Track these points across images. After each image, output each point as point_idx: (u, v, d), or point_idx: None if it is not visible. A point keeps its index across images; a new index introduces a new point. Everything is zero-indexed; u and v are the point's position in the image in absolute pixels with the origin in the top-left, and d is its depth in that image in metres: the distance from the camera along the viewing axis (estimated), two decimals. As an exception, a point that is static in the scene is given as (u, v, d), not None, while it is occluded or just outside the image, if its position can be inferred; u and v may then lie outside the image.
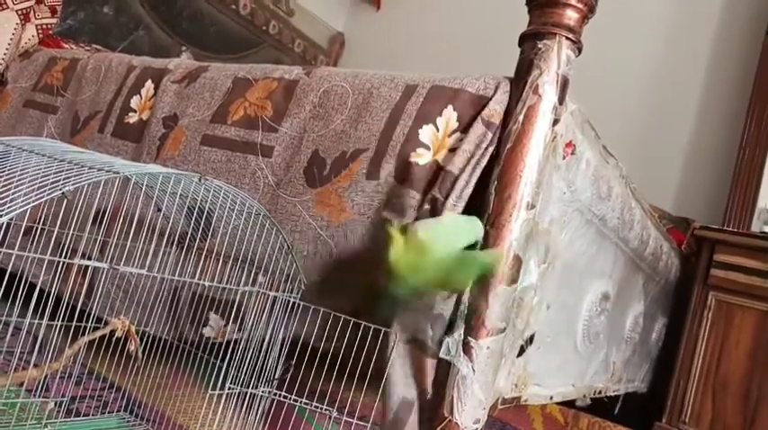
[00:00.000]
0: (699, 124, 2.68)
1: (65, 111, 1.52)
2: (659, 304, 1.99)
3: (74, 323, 0.92)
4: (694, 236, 2.02)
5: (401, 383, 0.91)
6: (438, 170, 0.97)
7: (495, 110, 0.95)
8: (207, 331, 1.10)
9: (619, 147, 1.28)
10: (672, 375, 1.93)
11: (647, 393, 2.04)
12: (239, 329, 1.03)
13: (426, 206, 0.93)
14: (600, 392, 1.59)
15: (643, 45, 2.83)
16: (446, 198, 0.92)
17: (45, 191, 0.65)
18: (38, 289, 0.86)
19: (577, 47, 0.94)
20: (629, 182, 1.37)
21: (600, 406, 1.81)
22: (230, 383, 0.90)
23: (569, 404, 1.77)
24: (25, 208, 0.62)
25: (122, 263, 0.77)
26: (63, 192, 0.66)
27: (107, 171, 0.72)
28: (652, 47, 2.82)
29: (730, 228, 2.12)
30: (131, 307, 1.19)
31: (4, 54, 1.80)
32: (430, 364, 0.91)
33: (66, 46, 2.05)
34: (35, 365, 0.80)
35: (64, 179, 0.70)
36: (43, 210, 1.15)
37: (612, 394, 1.74)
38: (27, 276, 0.92)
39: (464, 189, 0.92)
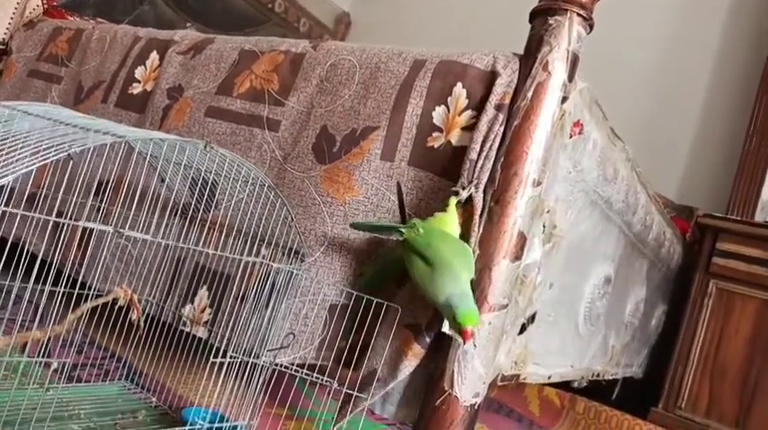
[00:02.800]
0: (705, 112, 2.66)
1: (69, 82, 1.52)
2: (660, 291, 1.99)
3: (76, 290, 0.92)
4: (698, 224, 2.02)
5: (381, 358, 0.91)
6: (452, 150, 0.96)
7: (506, 91, 0.94)
8: (186, 310, 1.10)
9: (624, 132, 1.27)
10: (670, 361, 1.94)
11: (644, 379, 2.05)
12: (241, 300, 1.03)
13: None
14: (598, 375, 1.60)
15: (653, 31, 2.80)
16: (469, 183, 0.91)
17: (51, 151, 0.64)
18: (39, 260, 0.86)
19: (589, 24, 0.93)
20: (635, 165, 1.37)
21: (597, 390, 1.82)
22: (232, 352, 0.91)
23: (566, 387, 1.78)
24: (31, 168, 0.62)
25: (126, 230, 0.76)
26: (69, 154, 0.66)
27: (113, 135, 0.71)
28: (661, 32, 2.79)
29: (734, 217, 2.11)
30: (132, 279, 1.19)
31: (9, 24, 1.78)
32: (415, 350, 0.91)
33: (71, 18, 2.04)
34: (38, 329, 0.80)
35: (70, 142, 0.69)
36: (47, 177, 1.15)
37: (610, 378, 1.75)
38: (28, 247, 0.92)
39: (482, 174, 0.91)
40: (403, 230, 0.88)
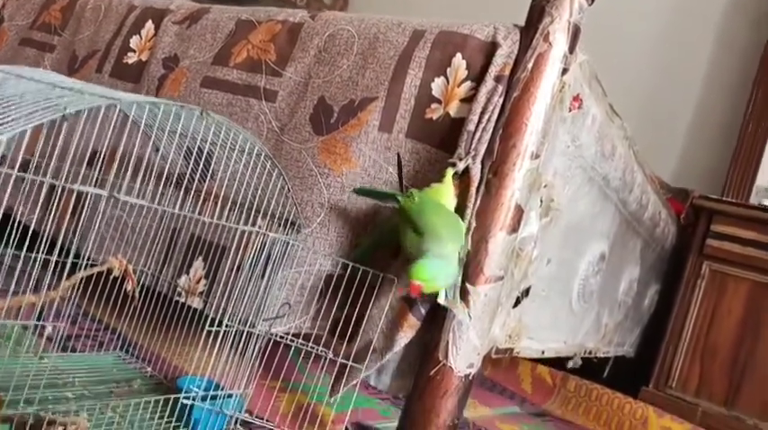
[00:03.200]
0: (703, 96, 2.66)
1: (62, 51, 1.49)
2: (654, 271, 2.00)
3: (70, 259, 0.91)
4: (693, 205, 2.02)
5: (376, 329, 0.92)
6: (450, 122, 0.96)
7: (506, 62, 0.93)
8: (182, 282, 1.10)
9: (622, 111, 1.26)
10: (661, 341, 1.96)
11: (635, 358, 2.07)
12: (237, 269, 1.03)
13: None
14: (590, 352, 1.61)
15: (654, 7, 2.78)
16: (466, 154, 0.91)
17: (48, 113, 0.63)
18: (31, 230, 0.86)
19: (591, -5, 0.92)
20: (632, 144, 1.37)
21: (589, 368, 1.83)
22: (228, 321, 0.91)
23: (559, 366, 1.79)
24: (27, 127, 0.61)
25: (122, 195, 0.76)
26: (64, 115, 0.65)
27: (108, 98, 0.70)
28: (662, 11, 2.77)
29: (729, 199, 2.12)
30: (127, 250, 1.19)
31: (1, -9, 1.75)
32: (411, 322, 0.91)
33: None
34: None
35: (65, 103, 0.68)
36: (39, 144, 1.14)
37: (602, 355, 1.76)
38: (20, 218, 0.91)
39: (479, 145, 0.91)
40: (400, 198, 0.88)
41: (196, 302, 1.08)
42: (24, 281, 1.22)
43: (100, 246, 1.20)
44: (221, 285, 1.05)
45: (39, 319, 1.02)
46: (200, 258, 1.11)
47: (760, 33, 2.49)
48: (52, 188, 1.14)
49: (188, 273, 1.12)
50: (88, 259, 0.98)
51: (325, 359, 0.93)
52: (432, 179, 0.93)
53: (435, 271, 0.81)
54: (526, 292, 1.06)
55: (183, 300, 1.09)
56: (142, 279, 1.14)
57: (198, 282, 1.10)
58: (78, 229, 1.20)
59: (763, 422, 1.78)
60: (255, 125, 1.12)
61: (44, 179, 0.66)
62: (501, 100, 0.92)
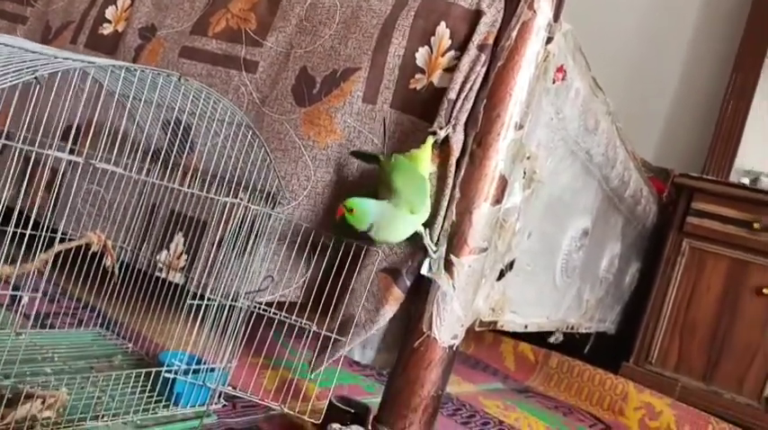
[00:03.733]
0: (684, 75, 2.67)
1: (35, 22, 1.45)
2: (635, 248, 2.02)
3: (46, 234, 0.89)
4: (674, 183, 2.04)
5: (359, 303, 0.91)
6: (434, 92, 0.95)
7: (490, 31, 0.92)
8: (162, 256, 1.08)
9: (604, 90, 1.26)
10: (641, 318, 1.98)
11: (616, 335, 2.10)
12: (219, 244, 1.01)
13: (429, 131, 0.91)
14: (572, 328, 1.62)
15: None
16: (447, 123, 0.90)
17: (21, 74, 0.61)
18: (3, 206, 0.83)
19: (576, -37, 0.91)
20: (615, 119, 1.37)
21: (570, 344, 1.85)
22: (210, 295, 0.89)
23: (541, 342, 1.81)
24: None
25: (98, 162, 0.74)
26: (36, 78, 0.63)
27: (81, 61, 0.68)
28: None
29: (710, 177, 2.14)
30: (105, 225, 1.16)
31: (-30, -39, 1.69)
32: (396, 295, 0.91)
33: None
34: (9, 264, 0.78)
35: (40, 66, 0.66)
36: (12, 115, 1.10)
37: (584, 331, 1.78)
38: None
39: (460, 114, 0.90)
40: (381, 158, 0.90)
41: (177, 278, 1.07)
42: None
43: (77, 222, 1.18)
44: (202, 260, 1.04)
45: (15, 295, 1.00)
46: (181, 233, 1.09)
47: (741, 12, 2.50)
48: (27, 161, 1.11)
49: (168, 248, 1.10)
50: (65, 235, 0.96)
51: (309, 334, 0.92)
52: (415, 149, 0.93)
53: (370, 210, 0.83)
54: (510, 266, 1.06)
55: (163, 275, 1.07)
56: (121, 255, 1.12)
57: (179, 257, 1.09)
58: (54, 204, 1.18)
59: (740, 396, 1.82)
60: (236, 97, 1.09)
61: (18, 145, 0.64)
62: (484, 69, 0.91)
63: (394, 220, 0.84)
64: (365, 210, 0.83)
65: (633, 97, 2.64)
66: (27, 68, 0.63)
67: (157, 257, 1.11)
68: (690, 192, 1.96)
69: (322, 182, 1.00)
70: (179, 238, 1.09)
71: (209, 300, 0.90)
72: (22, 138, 0.74)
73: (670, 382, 1.87)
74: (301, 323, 0.91)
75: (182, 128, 0.98)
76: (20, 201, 0.90)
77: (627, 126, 1.60)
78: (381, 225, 0.84)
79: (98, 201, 1.18)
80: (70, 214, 1.17)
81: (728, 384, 1.84)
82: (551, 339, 1.63)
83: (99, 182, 1.17)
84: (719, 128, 2.41)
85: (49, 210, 1.16)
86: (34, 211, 0.93)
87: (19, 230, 0.81)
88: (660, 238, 2.08)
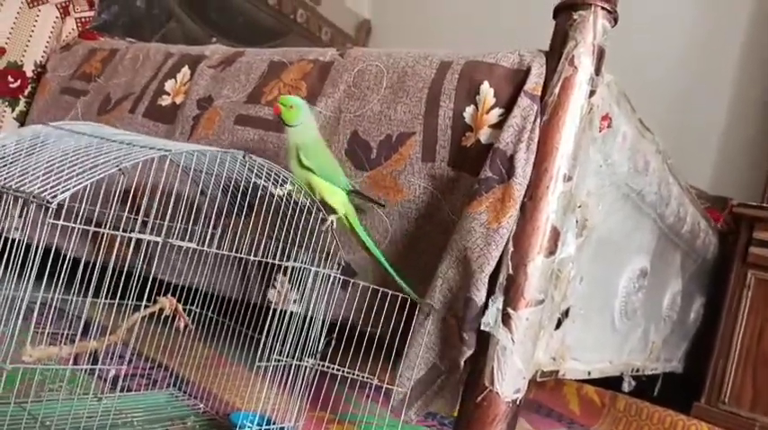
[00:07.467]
0: (736, 100, 2.62)
1: (94, 95, 1.56)
2: (697, 283, 1.96)
3: (116, 301, 0.94)
4: (732, 213, 1.99)
5: (420, 355, 0.93)
6: (481, 149, 0.98)
7: (537, 83, 0.95)
8: (270, 294, 1.12)
9: (653, 124, 1.26)
10: (710, 355, 1.91)
11: (684, 374, 2.02)
12: (294, 301, 1.05)
13: (477, 186, 0.93)
14: (638, 370, 1.58)
15: (679, 17, 2.77)
16: (510, 178, 0.91)
17: (108, 167, 0.67)
18: (81, 265, 0.88)
19: (613, 17, 0.93)
20: (665, 157, 1.36)
21: (637, 387, 1.80)
22: (276, 356, 0.93)
23: (606, 386, 1.76)
24: (88, 183, 0.65)
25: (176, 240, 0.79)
26: (120, 169, 0.69)
27: (159, 149, 0.75)
28: (689, 18, 2.76)
29: (770, 206, 2.07)
30: (199, 268, 1.21)
31: (46, 46, 1.85)
32: (460, 341, 0.92)
33: (103, 39, 2.10)
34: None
35: (123, 157, 0.72)
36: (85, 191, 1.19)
37: (650, 373, 1.73)
38: (69, 253, 0.93)
39: (525, 166, 0.92)
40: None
41: (294, 307, 1.10)
42: (74, 323, 1.26)
43: (172, 269, 1.22)
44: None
45: (94, 362, 1.06)
46: (281, 274, 1.14)
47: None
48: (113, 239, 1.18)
49: (274, 286, 1.14)
50: (143, 297, 1.02)
51: (371, 387, 0.94)
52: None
53: (306, 120, 0.99)
54: (566, 313, 1.06)
55: (280, 307, 1.10)
56: (191, 316, 1.17)
57: (290, 291, 1.13)
58: (135, 256, 1.23)
59: (825, 434, 1.72)
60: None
61: (107, 231, 0.69)
62: (539, 120, 0.92)
63: (322, 153, 0.97)
64: (299, 105, 0.98)
65: (685, 126, 2.60)
66: (114, 160, 0.70)
67: (267, 294, 1.14)
68: (750, 222, 1.90)
69: (398, 234, 1.04)
70: (282, 278, 1.13)
71: (276, 360, 0.93)
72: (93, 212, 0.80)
73: (747, 423, 1.79)
74: (364, 377, 0.94)
75: (240, 191, 1.03)
76: (101, 257, 0.96)
77: (680, 159, 1.59)
78: (309, 147, 0.96)
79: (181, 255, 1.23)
80: (163, 263, 1.22)
81: (811, 421, 1.75)
82: (624, 387, 1.58)
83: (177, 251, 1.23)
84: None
85: (141, 261, 1.22)
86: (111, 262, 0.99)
87: (107, 301, 0.87)
88: (723, 271, 2.01)
